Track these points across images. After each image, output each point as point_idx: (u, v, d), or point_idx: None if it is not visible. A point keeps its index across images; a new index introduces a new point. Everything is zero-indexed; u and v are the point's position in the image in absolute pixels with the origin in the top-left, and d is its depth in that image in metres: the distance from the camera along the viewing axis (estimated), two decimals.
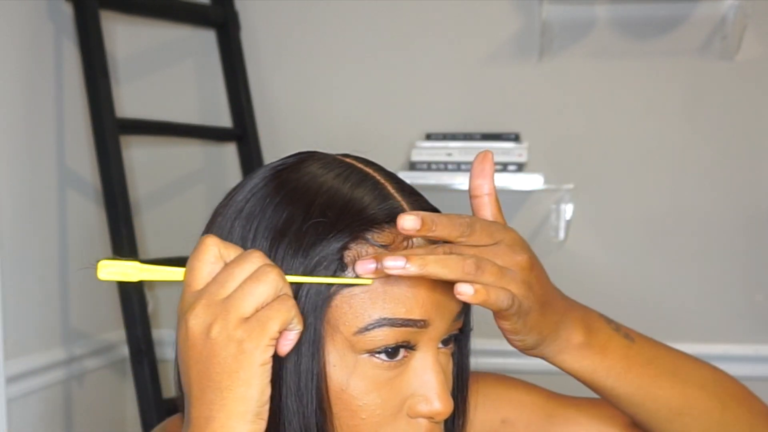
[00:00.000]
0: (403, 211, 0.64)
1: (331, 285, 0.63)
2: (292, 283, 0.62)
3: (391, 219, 0.63)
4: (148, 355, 1.85)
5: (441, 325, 0.65)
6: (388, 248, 0.63)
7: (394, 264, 0.59)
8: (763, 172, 2.07)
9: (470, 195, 0.67)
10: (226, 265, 0.61)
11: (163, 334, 2.22)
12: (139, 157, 2.24)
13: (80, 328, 2.03)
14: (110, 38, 2.11)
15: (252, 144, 2.13)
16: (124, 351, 2.00)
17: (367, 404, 0.64)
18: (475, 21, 2.14)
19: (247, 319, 0.58)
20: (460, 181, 2.01)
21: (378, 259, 0.60)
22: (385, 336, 0.63)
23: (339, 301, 0.63)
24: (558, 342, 0.67)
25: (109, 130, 1.86)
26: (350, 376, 0.64)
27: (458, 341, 0.71)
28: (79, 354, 2.01)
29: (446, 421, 0.70)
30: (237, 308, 0.58)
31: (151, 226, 2.24)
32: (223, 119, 2.19)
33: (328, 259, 0.63)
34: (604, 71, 2.10)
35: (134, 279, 0.65)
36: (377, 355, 0.64)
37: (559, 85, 2.12)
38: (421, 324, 0.63)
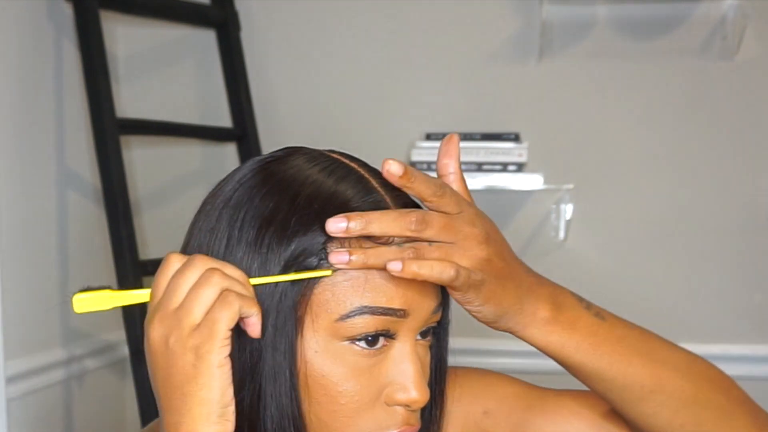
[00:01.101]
0: (385, 204, 0.66)
1: (316, 266, 0.65)
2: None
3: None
4: None
5: (420, 316, 0.67)
6: (372, 239, 0.65)
7: (339, 258, 0.63)
8: (763, 172, 2.07)
9: (438, 175, 0.69)
10: (173, 275, 0.63)
11: None
12: (139, 157, 2.24)
13: (80, 328, 2.03)
14: (110, 38, 2.11)
15: (252, 144, 2.13)
16: (124, 351, 2.00)
17: (346, 390, 0.66)
18: (475, 21, 2.14)
19: (198, 325, 0.60)
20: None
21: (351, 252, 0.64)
22: (366, 324, 0.65)
23: (322, 289, 0.65)
24: (523, 316, 0.68)
25: (109, 130, 1.86)
26: (331, 362, 0.66)
27: (436, 334, 0.73)
28: (79, 354, 2.01)
29: (423, 411, 0.72)
30: (187, 317, 0.61)
31: (151, 226, 2.24)
32: (223, 119, 2.19)
33: (312, 248, 0.65)
34: (604, 71, 2.10)
35: (108, 307, 0.66)
36: (357, 343, 0.66)
37: (559, 85, 2.12)
38: (400, 313, 0.66)
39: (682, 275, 2.10)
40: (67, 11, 1.95)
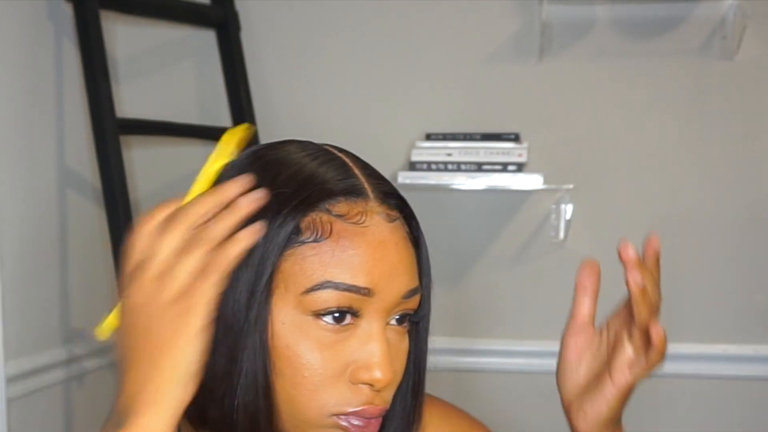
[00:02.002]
0: (363, 188, 0.70)
1: (286, 243, 0.67)
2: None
3: (348, 193, 0.69)
4: None
5: (388, 298, 0.69)
6: (344, 218, 0.68)
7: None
8: (763, 172, 2.07)
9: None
10: (156, 235, 0.67)
11: None
12: (139, 157, 2.24)
13: (80, 328, 2.03)
14: (110, 38, 2.11)
15: (252, 144, 2.13)
16: None
17: (308, 363, 0.67)
18: (475, 21, 2.14)
19: (184, 292, 0.62)
20: (459, 181, 2.01)
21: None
22: (329, 298, 0.67)
23: (291, 262, 0.68)
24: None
25: (109, 130, 1.85)
26: (296, 335, 0.67)
27: (414, 324, 0.75)
28: (79, 354, 2.01)
29: (400, 408, 0.75)
30: (172, 284, 0.63)
31: None
32: (223, 119, 2.19)
33: (287, 223, 0.67)
34: (604, 71, 2.10)
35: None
36: (323, 318, 0.67)
37: (559, 85, 2.12)
38: (364, 291, 0.67)
39: (682, 275, 2.10)
40: (67, 11, 1.95)
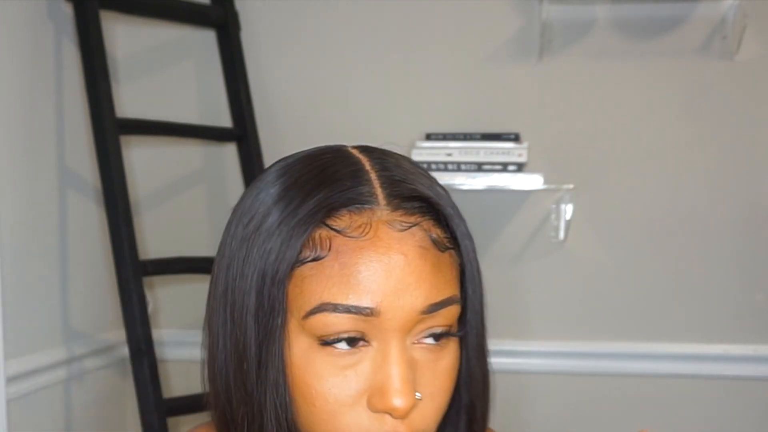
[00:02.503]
0: (370, 196, 0.64)
1: (294, 261, 0.63)
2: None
3: (352, 203, 0.64)
4: (148, 355, 1.85)
5: (401, 316, 0.63)
6: (344, 232, 0.63)
7: None
8: (763, 172, 2.07)
9: None
10: None
11: (163, 334, 2.22)
12: (139, 157, 2.24)
13: (80, 328, 2.03)
14: (110, 38, 2.11)
15: (252, 144, 2.13)
16: (124, 351, 2.00)
17: (319, 392, 0.63)
18: (475, 21, 2.14)
19: None
20: (460, 181, 2.01)
21: None
22: (328, 322, 0.62)
23: (294, 283, 0.64)
24: None
25: (109, 130, 1.86)
26: (303, 361, 0.64)
27: (464, 338, 0.69)
28: (79, 354, 2.01)
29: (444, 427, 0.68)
30: None
31: (151, 226, 2.24)
32: (223, 119, 2.19)
33: (290, 246, 0.63)
34: (604, 71, 2.10)
35: None
36: (328, 342, 0.63)
37: (559, 85, 2.12)
38: (367, 312, 0.62)
39: (682, 275, 2.10)
40: (67, 11, 1.95)
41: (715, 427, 2.09)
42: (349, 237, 0.63)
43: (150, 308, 1.91)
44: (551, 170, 2.07)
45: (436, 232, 0.65)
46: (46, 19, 1.91)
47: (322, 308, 0.62)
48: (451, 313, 0.65)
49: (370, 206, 0.64)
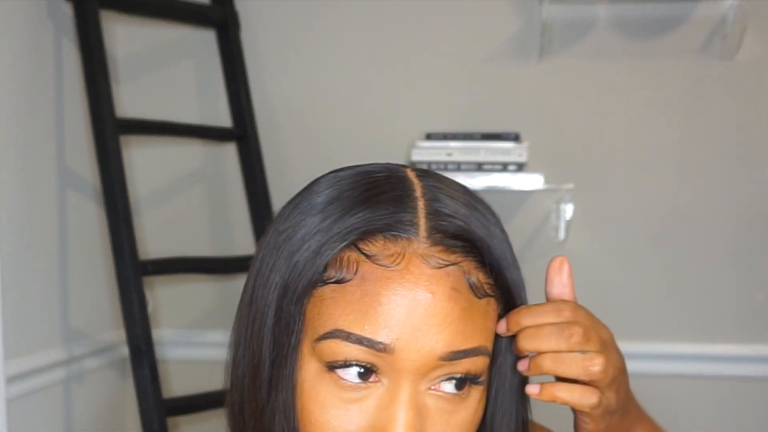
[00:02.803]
0: (411, 225, 0.60)
1: (315, 277, 0.61)
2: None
3: (389, 229, 0.60)
4: (148, 355, 1.85)
5: (416, 359, 0.58)
6: (373, 258, 0.59)
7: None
8: (763, 172, 2.07)
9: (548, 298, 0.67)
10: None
11: (163, 334, 2.22)
12: (139, 157, 2.24)
13: (80, 328, 2.03)
14: (110, 38, 2.11)
15: (252, 144, 2.13)
16: (124, 351, 2.00)
17: (319, 421, 0.60)
18: (475, 21, 2.14)
19: None
20: (459, 181, 2.00)
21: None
22: (338, 349, 0.59)
23: (313, 302, 0.61)
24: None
25: (109, 130, 1.86)
26: (310, 387, 0.61)
27: (491, 391, 0.66)
28: (79, 354, 2.01)
29: None
30: None
31: (151, 226, 2.24)
32: (223, 119, 2.19)
33: (315, 261, 0.61)
34: (604, 71, 2.10)
35: None
36: (336, 370, 0.60)
37: (559, 85, 2.12)
38: (380, 347, 0.58)
39: (682, 275, 2.10)
40: (67, 11, 1.95)
41: (715, 427, 2.09)
42: (378, 264, 0.59)
43: (150, 308, 1.91)
44: (551, 170, 2.07)
45: (478, 276, 0.61)
46: (46, 19, 1.91)
47: (335, 334, 0.59)
48: (476, 364, 0.61)
49: (407, 236, 0.60)
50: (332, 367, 0.60)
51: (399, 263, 0.59)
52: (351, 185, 0.63)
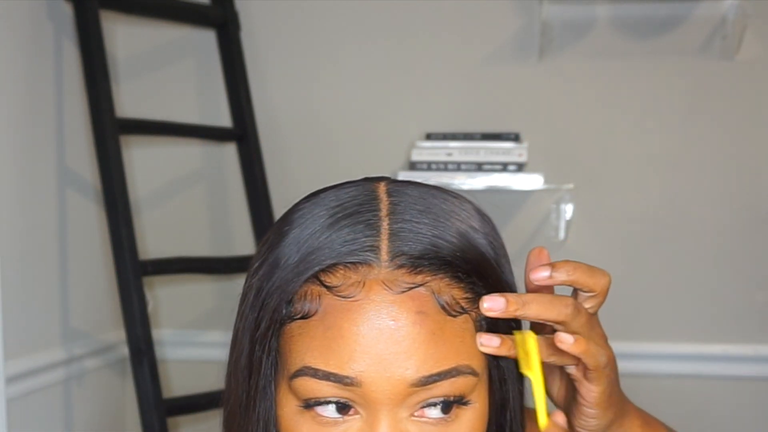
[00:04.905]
0: (372, 251, 0.58)
1: (281, 316, 0.60)
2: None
3: (350, 257, 0.58)
4: (148, 355, 1.85)
5: (386, 388, 0.57)
6: (334, 290, 0.58)
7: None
8: (762, 172, 2.07)
9: (529, 287, 0.62)
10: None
11: (163, 334, 2.22)
12: (139, 157, 2.24)
13: (80, 328, 2.03)
14: (110, 38, 2.11)
15: (252, 144, 2.13)
16: (124, 351, 2.00)
17: None
18: (475, 21, 2.14)
19: None
20: (460, 181, 2.01)
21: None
22: (310, 388, 0.58)
23: (284, 340, 0.60)
24: (623, 430, 0.66)
25: (109, 130, 1.86)
26: (291, 423, 0.60)
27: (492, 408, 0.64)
28: (79, 354, 2.01)
29: None
30: None
31: (151, 226, 2.24)
32: (223, 119, 2.19)
33: (279, 298, 0.60)
34: (604, 71, 2.10)
35: None
36: (313, 407, 0.59)
37: (559, 85, 2.12)
38: (347, 381, 0.57)
39: (682, 275, 2.10)
40: (67, 11, 1.95)
41: (715, 427, 2.09)
42: (338, 296, 0.57)
43: (150, 308, 1.91)
44: (551, 170, 2.07)
45: (452, 293, 0.59)
46: (46, 19, 1.91)
47: (304, 371, 0.58)
48: (456, 385, 0.58)
49: (368, 263, 0.58)
50: (309, 405, 0.59)
51: (359, 292, 0.57)
52: (318, 211, 0.61)
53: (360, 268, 0.58)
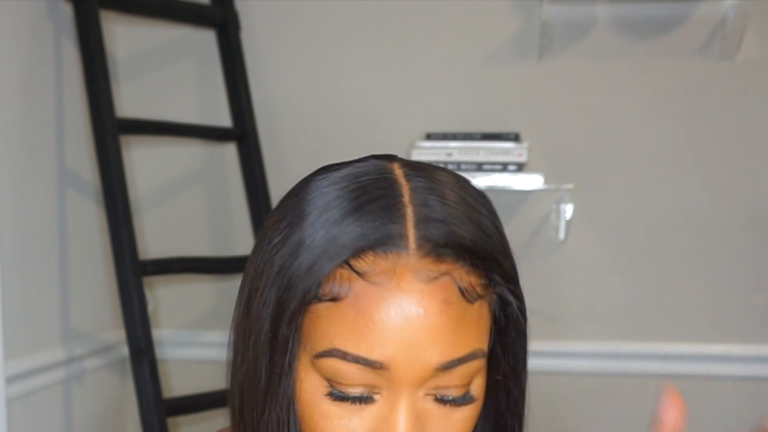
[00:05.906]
0: (400, 238, 0.60)
1: (308, 295, 0.61)
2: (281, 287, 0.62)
3: (379, 244, 0.59)
4: (148, 355, 1.85)
5: (413, 372, 0.60)
6: (365, 276, 0.59)
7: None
8: (762, 172, 2.07)
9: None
10: None
11: (163, 334, 2.22)
12: (139, 157, 2.24)
13: (80, 328, 2.03)
14: (110, 38, 2.11)
15: (252, 144, 2.13)
16: (124, 351, 2.00)
17: (323, 431, 0.62)
18: (475, 21, 2.14)
19: None
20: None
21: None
22: (338, 369, 0.60)
23: (309, 319, 0.61)
24: None
25: (109, 130, 1.86)
26: (312, 397, 0.62)
27: (492, 391, 0.66)
28: (79, 354, 2.01)
29: None
30: None
31: (151, 226, 2.24)
32: (223, 119, 2.19)
33: (307, 280, 0.61)
34: (604, 71, 2.10)
35: None
36: (335, 386, 0.61)
37: (559, 85, 2.12)
38: (377, 365, 0.59)
39: (682, 275, 2.10)
40: (67, 11, 1.95)
41: (715, 427, 2.09)
42: (369, 282, 0.59)
43: (150, 308, 1.91)
44: (551, 170, 2.07)
45: (470, 280, 0.61)
46: (46, 19, 1.91)
47: (332, 353, 0.60)
48: (472, 368, 0.62)
49: (397, 250, 0.59)
50: (334, 383, 0.61)
51: (389, 280, 0.59)
52: (339, 193, 0.62)
53: (390, 255, 0.59)
